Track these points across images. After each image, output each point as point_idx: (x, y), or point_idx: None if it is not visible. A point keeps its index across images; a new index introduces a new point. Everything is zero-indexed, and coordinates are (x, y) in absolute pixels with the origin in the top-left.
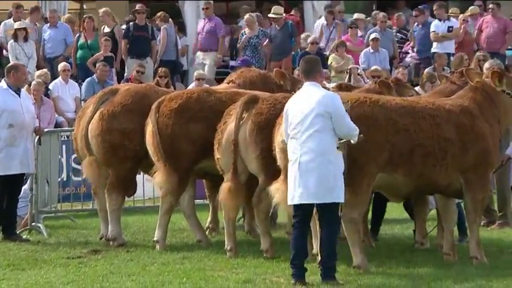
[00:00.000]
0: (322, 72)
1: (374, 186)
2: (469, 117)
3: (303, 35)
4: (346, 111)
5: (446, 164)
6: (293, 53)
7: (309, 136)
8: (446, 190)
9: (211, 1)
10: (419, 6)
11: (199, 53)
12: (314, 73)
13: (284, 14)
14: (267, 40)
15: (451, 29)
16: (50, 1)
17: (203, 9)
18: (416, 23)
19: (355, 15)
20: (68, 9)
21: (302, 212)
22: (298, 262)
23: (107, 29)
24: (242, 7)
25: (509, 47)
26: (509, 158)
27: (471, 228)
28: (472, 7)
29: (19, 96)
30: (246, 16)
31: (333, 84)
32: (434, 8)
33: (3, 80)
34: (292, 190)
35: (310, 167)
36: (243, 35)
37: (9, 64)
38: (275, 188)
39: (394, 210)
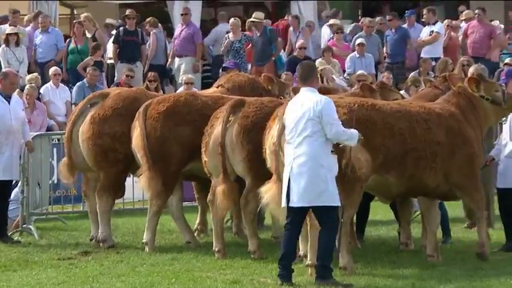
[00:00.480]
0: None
1: (365, 187)
2: (456, 121)
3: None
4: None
5: (436, 166)
6: (274, 58)
7: (302, 140)
8: (434, 192)
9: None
10: (406, 11)
11: (176, 59)
12: (311, 78)
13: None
14: (250, 45)
15: (431, 33)
16: (39, 1)
17: (181, 15)
18: (390, 28)
19: (331, 21)
20: (59, 14)
21: (293, 214)
22: (286, 263)
23: (87, 34)
24: (219, 13)
25: (504, 52)
26: (492, 159)
27: (480, 223)
28: (466, 11)
29: (9, 102)
30: (231, 20)
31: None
32: (424, 12)
33: None
34: (285, 193)
35: (302, 170)
36: (225, 40)
37: (2, 71)
38: (266, 189)
39: (380, 211)
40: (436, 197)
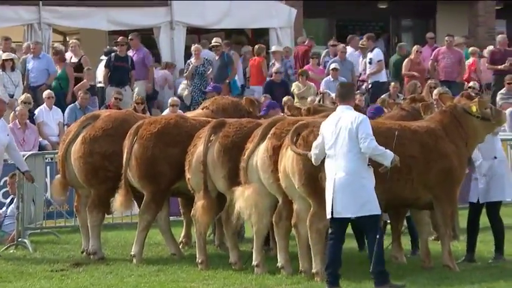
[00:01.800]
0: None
1: None
2: (433, 137)
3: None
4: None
5: (412, 179)
6: (227, 81)
7: (343, 156)
8: (416, 203)
9: (186, 31)
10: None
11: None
12: (349, 97)
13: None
14: (211, 69)
15: (370, 60)
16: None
17: (130, 39)
18: (330, 55)
19: (273, 48)
20: (52, 41)
21: (338, 225)
22: (333, 270)
23: (74, 59)
24: (202, 41)
25: None
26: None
27: (443, 240)
28: (457, 37)
29: None
30: (193, 46)
31: None
32: (364, 38)
33: None
34: (330, 205)
35: (345, 183)
36: (189, 65)
37: None
38: (239, 193)
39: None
40: (421, 208)
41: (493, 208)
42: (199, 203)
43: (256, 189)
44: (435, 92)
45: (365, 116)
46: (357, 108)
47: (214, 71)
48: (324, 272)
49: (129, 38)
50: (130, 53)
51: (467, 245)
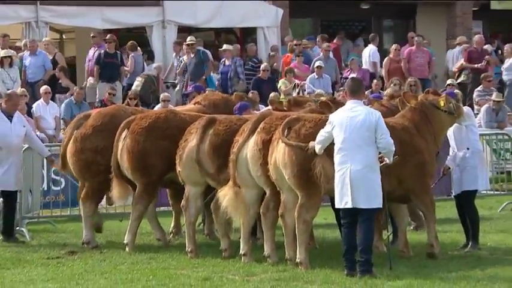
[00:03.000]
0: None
1: (326, 191)
2: (408, 134)
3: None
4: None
5: (389, 172)
6: (204, 77)
7: (358, 149)
8: (390, 196)
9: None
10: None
11: (90, 78)
12: (360, 92)
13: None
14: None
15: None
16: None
17: (92, 37)
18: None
19: (224, 46)
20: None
21: (351, 214)
22: (350, 256)
23: (49, 56)
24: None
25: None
26: (448, 169)
27: (429, 225)
28: (459, 36)
29: (10, 121)
30: (184, 44)
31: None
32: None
33: None
34: (341, 196)
35: (359, 176)
36: (181, 62)
37: (6, 92)
38: (223, 194)
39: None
40: (394, 201)
41: (467, 198)
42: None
43: (238, 193)
44: (388, 91)
45: (377, 111)
46: (335, 101)
47: (190, 68)
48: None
49: (92, 35)
50: (91, 50)
51: (466, 233)
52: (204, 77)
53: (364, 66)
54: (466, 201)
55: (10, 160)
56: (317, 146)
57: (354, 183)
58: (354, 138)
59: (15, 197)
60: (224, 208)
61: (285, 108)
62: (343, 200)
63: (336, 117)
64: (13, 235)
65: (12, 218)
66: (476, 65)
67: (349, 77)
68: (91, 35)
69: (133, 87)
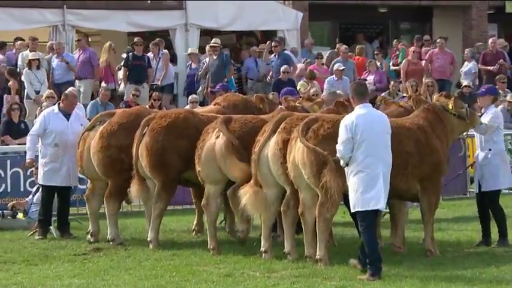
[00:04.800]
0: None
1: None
2: (424, 134)
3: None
4: None
5: (407, 173)
6: (226, 80)
7: (383, 150)
8: (405, 195)
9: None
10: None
11: (76, 81)
12: (367, 95)
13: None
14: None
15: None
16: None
17: (76, 41)
18: (274, 54)
19: (189, 50)
20: (75, 41)
21: (372, 216)
22: (379, 255)
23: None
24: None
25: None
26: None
27: (426, 226)
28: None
29: (67, 119)
30: (207, 46)
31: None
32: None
33: (56, 104)
34: (377, 197)
35: (388, 178)
36: (203, 64)
37: (64, 92)
38: (243, 192)
39: None
40: (407, 199)
41: (491, 198)
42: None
43: (258, 191)
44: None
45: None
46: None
47: (212, 70)
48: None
49: (77, 39)
50: (76, 53)
51: (482, 231)
52: (225, 80)
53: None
54: (490, 201)
55: (66, 157)
56: (342, 161)
57: (385, 185)
58: (378, 140)
59: (69, 193)
60: (244, 206)
61: (298, 104)
62: (364, 202)
63: (357, 122)
64: (68, 230)
65: (66, 213)
66: (490, 68)
67: (355, 81)
68: (76, 39)
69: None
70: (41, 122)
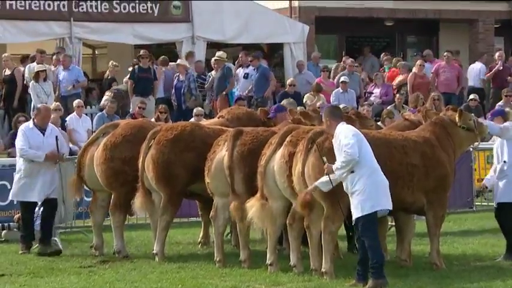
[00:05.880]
0: None
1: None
2: (430, 146)
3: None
4: None
5: (413, 185)
6: (225, 93)
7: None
8: (411, 207)
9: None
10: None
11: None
12: (343, 118)
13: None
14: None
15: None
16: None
17: (56, 53)
18: (252, 67)
19: (178, 61)
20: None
21: (377, 219)
22: (383, 259)
23: (8, 71)
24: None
25: None
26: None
27: (432, 240)
28: None
29: (43, 134)
30: (213, 59)
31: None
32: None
33: (31, 120)
34: (386, 202)
35: (384, 180)
36: (209, 77)
37: (36, 107)
38: (250, 205)
39: None
40: (413, 212)
41: (504, 210)
42: (231, 205)
43: (264, 204)
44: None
45: None
46: (359, 115)
47: (215, 83)
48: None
49: (55, 51)
50: (52, 67)
51: (507, 243)
52: (224, 93)
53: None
54: (503, 213)
55: (41, 172)
56: (351, 162)
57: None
58: (370, 151)
59: (54, 204)
60: (250, 219)
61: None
62: (379, 206)
63: (354, 131)
64: (49, 243)
65: (49, 225)
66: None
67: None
68: (53, 52)
69: (102, 102)
70: (23, 136)
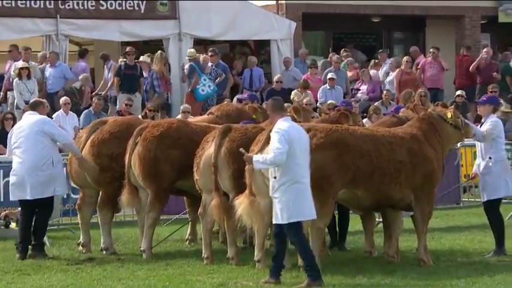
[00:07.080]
0: None
1: (338, 200)
2: (417, 143)
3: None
4: None
5: (400, 182)
6: (189, 89)
7: (305, 161)
8: (399, 204)
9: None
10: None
11: (9, 93)
12: (285, 109)
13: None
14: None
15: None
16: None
17: (8, 51)
18: (211, 63)
19: (141, 58)
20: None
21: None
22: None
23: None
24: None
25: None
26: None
27: (419, 236)
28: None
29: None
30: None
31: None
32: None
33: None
34: (301, 207)
35: (309, 187)
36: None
37: (39, 101)
38: (238, 202)
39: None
40: (401, 209)
41: (491, 206)
42: (213, 202)
43: (253, 201)
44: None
45: None
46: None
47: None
48: None
49: (8, 49)
50: (7, 64)
51: (496, 239)
52: (189, 90)
53: None
54: (490, 209)
55: (33, 170)
56: (273, 165)
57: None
58: (302, 152)
59: (49, 204)
60: (239, 216)
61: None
62: (308, 211)
63: (290, 133)
64: (43, 250)
65: (43, 228)
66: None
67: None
68: (8, 49)
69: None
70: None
